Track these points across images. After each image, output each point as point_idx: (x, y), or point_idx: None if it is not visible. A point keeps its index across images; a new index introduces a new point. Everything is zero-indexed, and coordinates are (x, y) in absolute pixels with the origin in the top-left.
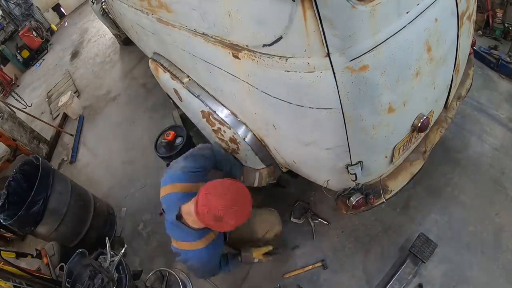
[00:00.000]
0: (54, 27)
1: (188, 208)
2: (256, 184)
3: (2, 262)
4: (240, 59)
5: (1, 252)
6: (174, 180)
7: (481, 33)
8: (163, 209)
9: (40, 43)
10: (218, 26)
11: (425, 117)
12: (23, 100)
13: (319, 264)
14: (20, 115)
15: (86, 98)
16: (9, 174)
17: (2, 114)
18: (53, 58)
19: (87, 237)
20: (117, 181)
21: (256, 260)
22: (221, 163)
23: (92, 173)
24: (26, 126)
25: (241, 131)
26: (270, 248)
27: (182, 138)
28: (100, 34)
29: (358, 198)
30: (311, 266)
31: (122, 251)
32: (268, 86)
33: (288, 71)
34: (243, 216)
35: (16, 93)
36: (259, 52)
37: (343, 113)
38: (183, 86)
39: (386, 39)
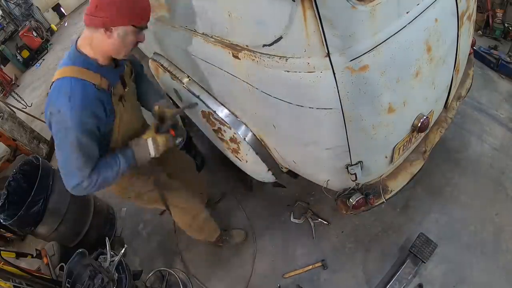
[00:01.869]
0: (54, 27)
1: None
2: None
3: (2, 262)
4: (240, 59)
5: (1, 252)
6: None
7: (481, 33)
8: None
9: (40, 43)
10: (218, 26)
11: (425, 117)
12: (23, 100)
13: (319, 264)
14: (20, 115)
15: None
16: (9, 174)
17: (2, 114)
18: (53, 58)
19: (87, 237)
20: None
21: (151, 147)
22: None
23: None
24: (26, 126)
25: (241, 131)
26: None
27: (182, 138)
28: None
29: (358, 198)
30: (311, 266)
31: (122, 251)
32: (268, 86)
33: (288, 71)
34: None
35: (16, 93)
36: (259, 52)
37: (343, 113)
38: (183, 86)
39: (386, 39)
